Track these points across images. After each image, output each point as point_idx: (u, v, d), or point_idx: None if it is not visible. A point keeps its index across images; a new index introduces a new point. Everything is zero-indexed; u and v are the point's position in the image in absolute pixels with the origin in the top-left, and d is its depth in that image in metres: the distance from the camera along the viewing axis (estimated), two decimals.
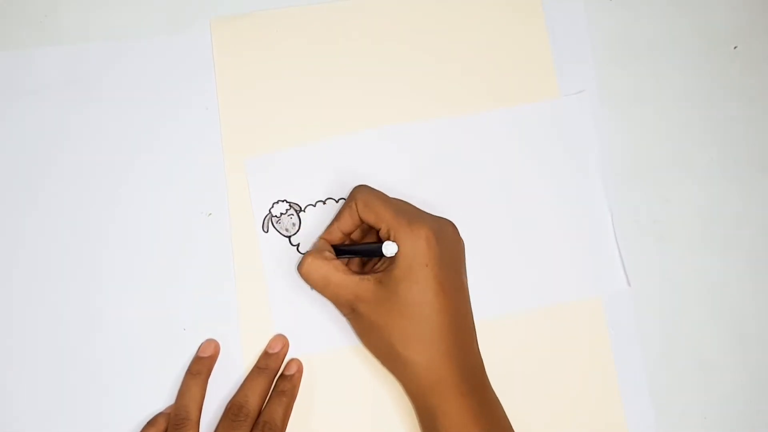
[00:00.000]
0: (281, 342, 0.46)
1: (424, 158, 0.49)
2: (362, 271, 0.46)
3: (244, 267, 0.47)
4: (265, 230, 0.48)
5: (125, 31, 0.50)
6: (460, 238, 0.45)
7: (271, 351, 0.46)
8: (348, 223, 0.45)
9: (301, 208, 0.48)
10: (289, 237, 0.48)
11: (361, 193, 0.44)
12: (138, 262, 0.47)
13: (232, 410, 0.44)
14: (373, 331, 0.43)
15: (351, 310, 0.43)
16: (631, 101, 0.51)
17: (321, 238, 0.46)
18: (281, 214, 0.48)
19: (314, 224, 0.48)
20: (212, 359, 0.46)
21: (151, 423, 0.44)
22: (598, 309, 0.48)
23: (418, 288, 0.41)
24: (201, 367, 0.45)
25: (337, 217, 0.46)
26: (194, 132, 0.49)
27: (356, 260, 0.46)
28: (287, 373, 0.46)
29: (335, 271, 0.43)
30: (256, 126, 0.49)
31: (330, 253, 0.44)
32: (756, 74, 0.51)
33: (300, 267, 0.44)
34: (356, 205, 0.44)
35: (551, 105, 0.50)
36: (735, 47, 0.52)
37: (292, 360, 0.46)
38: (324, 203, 0.48)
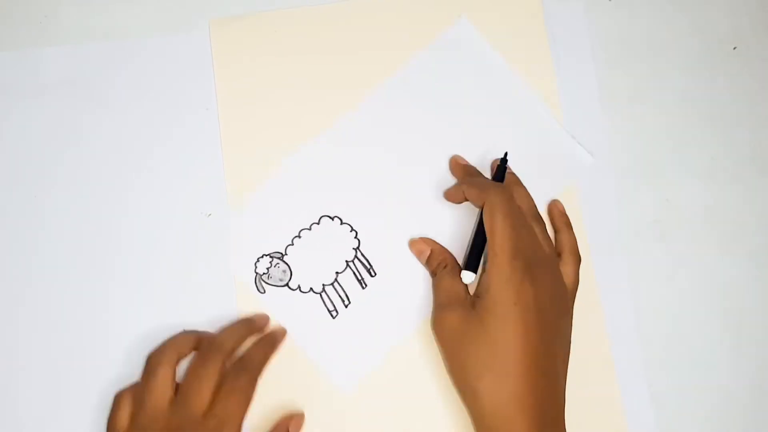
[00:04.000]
0: (282, 331, 0.47)
1: (376, 139, 0.49)
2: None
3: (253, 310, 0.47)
4: (262, 291, 0.47)
5: (125, 31, 0.50)
6: (563, 281, 0.44)
7: (257, 319, 0.46)
8: (459, 198, 0.46)
9: (282, 253, 0.48)
10: (286, 285, 0.47)
11: (493, 201, 0.43)
12: (137, 263, 0.47)
13: (204, 344, 0.43)
14: (454, 346, 0.42)
15: (445, 309, 0.44)
16: (631, 101, 0.51)
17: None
18: (268, 268, 0.47)
19: (303, 261, 0.48)
20: (259, 328, 0.46)
21: (186, 333, 0.45)
22: (594, 310, 0.48)
23: (503, 326, 0.40)
24: (262, 321, 0.46)
25: (469, 190, 0.45)
26: (194, 132, 0.49)
27: None
28: (269, 330, 0.46)
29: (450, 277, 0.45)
30: (255, 126, 0.49)
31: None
32: (756, 74, 0.51)
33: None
34: (482, 210, 0.44)
35: (442, 40, 0.50)
36: (734, 48, 0.52)
37: (277, 326, 0.47)
38: (299, 237, 0.48)
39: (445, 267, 0.46)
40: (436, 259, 0.46)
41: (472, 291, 0.45)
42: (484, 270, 0.43)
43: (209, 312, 0.47)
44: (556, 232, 0.47)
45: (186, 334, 0.45)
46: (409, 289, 0.47)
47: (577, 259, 0.46)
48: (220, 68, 0.50)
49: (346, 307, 0.47)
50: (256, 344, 0.45)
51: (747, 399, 0.48)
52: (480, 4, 0.51)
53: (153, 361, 0.42)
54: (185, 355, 0.43)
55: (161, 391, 0.41)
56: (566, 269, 0.45)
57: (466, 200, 0.46)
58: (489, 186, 0.44)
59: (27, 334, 0.46)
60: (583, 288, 0.46)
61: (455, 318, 0.42)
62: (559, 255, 0.46)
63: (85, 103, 0.49)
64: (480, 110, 0.50)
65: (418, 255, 0.47)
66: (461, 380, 0.42)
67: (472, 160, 0.49)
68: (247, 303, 0.47)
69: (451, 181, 0.49)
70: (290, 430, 0.45)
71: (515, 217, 0.43)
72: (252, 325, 0.45)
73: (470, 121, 0.50)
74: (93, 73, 0.50)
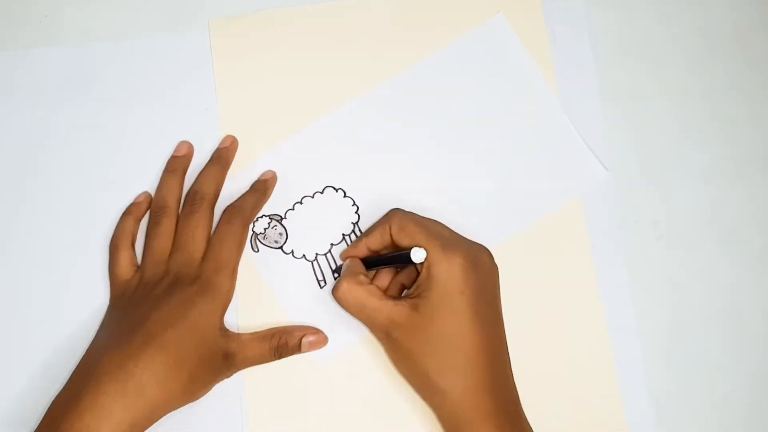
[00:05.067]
0: (230, 139, 0.48)
1: (391, 121, 0.50)
2: (398, 295, 0.45)
3: (243, 267, 0.47)
4: (256, 250, 0.47)
5: (125, 31, 0.50)
6: (496, 266, 0.44)
7: (222, 146, 0.48)
8: (377, 243, 0.45)
9: (281, 216, 0.48)
10: (280, 247, 0.48)
11: (396, 216, 0.44)
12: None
13: (189, 195, 0.46)
14: (408, 358, 0.42)
15: (386, 336, 0.43)
16: (632, 101, 0.51)
17: (348, 255, 0.46)
18: (265, 229, 0.47)
19: (300, 227, 0.48)
20: (187, 158, 0.48)
21: (129, 210, 0.47)
22: (595, 310, 0.48)
23: (454, 317, 0.41)
24: (177, 165, 0.48)
25: (367, 233, 0.45)
26: (194, 132, 0.49)
27: (395, 284, 0.45)
28: (262, 178, 0.48)
29: (369, 296, 0.42)
30: (256, 126, 0.49)
31: (365, 277, 0.44)
32: (756, 74, 0.51)
33: (335, 291, 0.43)
34: (390, 228, 0.44)
35: (477, 33, 0.51)
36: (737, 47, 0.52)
37: (268, 170, 0.48)
38: (301, 203, 0.48)
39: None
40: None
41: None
42: (417, 273, 0.43)
43: None
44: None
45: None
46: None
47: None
48: (220, 68, 0.50)
49: (335, 278, 0.47)
50: (249, 191, 0.47)
51: (747, 399, 0.48)
52: (480, 3, 0.51)
53: (159, 212, 0.45)
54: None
55: (165, 239, 0.45)
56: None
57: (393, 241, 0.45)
58: (385, 218, 0.45)
59: (24, 334, 0.46)
60: (583, 288, 0.46)
61: (399, 329, 0.42)
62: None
63: (85, 103, 0.49)
64: (501, 108, 0.50)
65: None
66: (423, 383, 0.43)
67: (485, 152, 0.49)
68: (247, 303, 0.47)
69: (461, 174, 0.49)
70: (302, 346, 0.45)
71: (422, 220, 0.44)
72: (225, 165, 0.47)
73: (488, 117, 0.50)
74: (93, 73, 0.50)
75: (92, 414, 0.38)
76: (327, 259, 0.48)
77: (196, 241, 0.44)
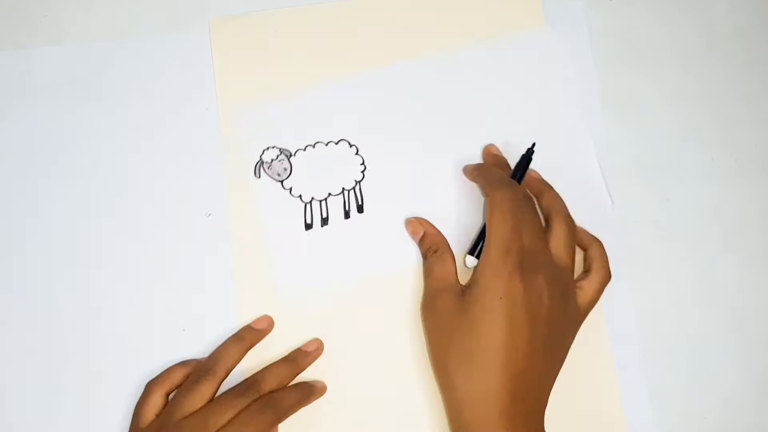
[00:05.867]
0: (267, 321, 0.46)
1: (417, 99, 0.50)
2: None
3: (243, 267, 0.47)
4: (257, 176, 0.48)
5: (125, 31, 0.50)
6: (570, 292, 0.43)
7: (259, 327, 0.46)
8: (471, 179, 0.47)
9: (291, 153, 0.48)
10: (281, 181, 0.48)
11: (502, 195, 0.43)
12: (137, 263, 0.47)
13: (244, 384, 0.43)
14: (439, 333, 0.42)
15: (432, 300, 0.44)
16: (631, 101, 0.51)
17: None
18: (272, 160, 0.48)
19: (306, 168, 0.49)
20: (262, 333, 0.46)
21: (182, 364, 0.45)
22: (594, 310, 0.47)
23: (487, 317, 0.40)
24: (248, 335, 0.45)
25: (481, 179, 0.47)
26: (194, 132, 0.49)
27: None
28: (305, 349, 0.46)
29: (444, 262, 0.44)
30: (256, 126, 0.49)
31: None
32: (756, 74, 0.51)
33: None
34: (488, 202, 0.44)
35: (532, 38, 0.51)
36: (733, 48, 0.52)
37: (314, 339, 0.46)
38: (314, 147, 0.49)
39: (435, 252, 0.45)
40: (427, 243, 0.46)
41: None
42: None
43: (209, 312, 0.47)
44: (585, 248, 0.47)
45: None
46: (384, 239, 0.48)
47: (604, 277, 0.45)
48: (220, 67, 0.50)
49: (322, 226, 0.48)
50: (294, 387, 0.44)
51: (747, 399, 0.48)
52: (480, 3, 0.51)
53: (205, 373, 0.43)
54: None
55: (197, 401, 0.42)
56: (588, 284, 0.44)
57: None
58: (498, 183, 0.44)
59: (24, 335, 0.46)
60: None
61: (444, 304, 0.42)
62: (587, 271, 0.45)
63: (84, 103, 0.49)
64: (526, 119, 0.50)
65: (413, 235, 0.47)
66: (441, 369, 0.42)
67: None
68: (246, 303, 0.47)
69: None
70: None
71: (517, 218, 0.42)
72: (245, 342, 0.45)
73: (511, 124, 0.50)
74: (93, 73, 0.50)
75: None
76: (320, 206, 0.48)
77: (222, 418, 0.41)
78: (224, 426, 0.40)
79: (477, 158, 0.49)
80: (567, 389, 0.46)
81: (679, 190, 0.50)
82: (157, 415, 0.43)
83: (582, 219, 0.47)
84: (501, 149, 0.49)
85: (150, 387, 0.44)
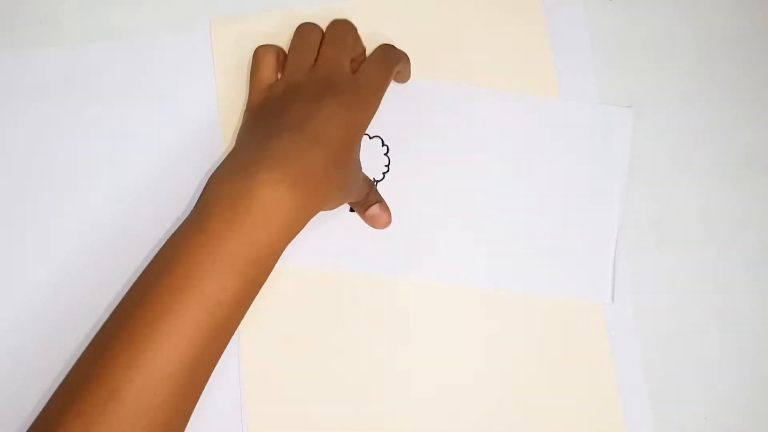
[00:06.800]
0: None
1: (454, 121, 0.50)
2: None
3: None
4: None
5: (125, 31, 0.50)
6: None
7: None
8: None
9: None
10: None
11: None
12: (137, 264, 0.47)
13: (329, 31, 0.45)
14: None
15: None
16: (631, 101, 0.51)
17: None
18: None
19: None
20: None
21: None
22: (594, 310, 0.48)
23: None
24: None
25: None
26: (194, 132, 0.49)
27: None
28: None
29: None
30: None
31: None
32: (756, 75, 0.52)
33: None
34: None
35: (595, 110, 0.50)
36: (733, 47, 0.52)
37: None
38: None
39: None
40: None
41: None
42: None
43: None
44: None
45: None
46: (383, 239, 0.48)
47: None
48: (221, 67, 0.50)
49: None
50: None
51: (747, 399, 0.48)
52: (480, 3, 0.51)
53: (304, 27, 0.46)
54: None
55: (311, 51, 0.44)
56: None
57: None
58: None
59: (24, 334, 0.46)
60: (569, 289, 0.46)
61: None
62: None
63: (84, 103, 0.49)
64: (560, 162, 0.49)
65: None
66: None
67: (528, 196, 0.49)
68: None
69: (496, 199, 0.49)
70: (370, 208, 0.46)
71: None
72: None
73: (552, 170, 0.49)
74: (93, 73, 0.50)
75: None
76: None
77: (346, 52, 0.43)
78: (356, 70, 0.42)
79: (501, 186, 0.49)
80: (566, 390, 0.47)
81: (679, 190, 0.50)
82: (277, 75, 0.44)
83: (582, 220, 0.47)
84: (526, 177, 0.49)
85: (259, 49, 0.46)
